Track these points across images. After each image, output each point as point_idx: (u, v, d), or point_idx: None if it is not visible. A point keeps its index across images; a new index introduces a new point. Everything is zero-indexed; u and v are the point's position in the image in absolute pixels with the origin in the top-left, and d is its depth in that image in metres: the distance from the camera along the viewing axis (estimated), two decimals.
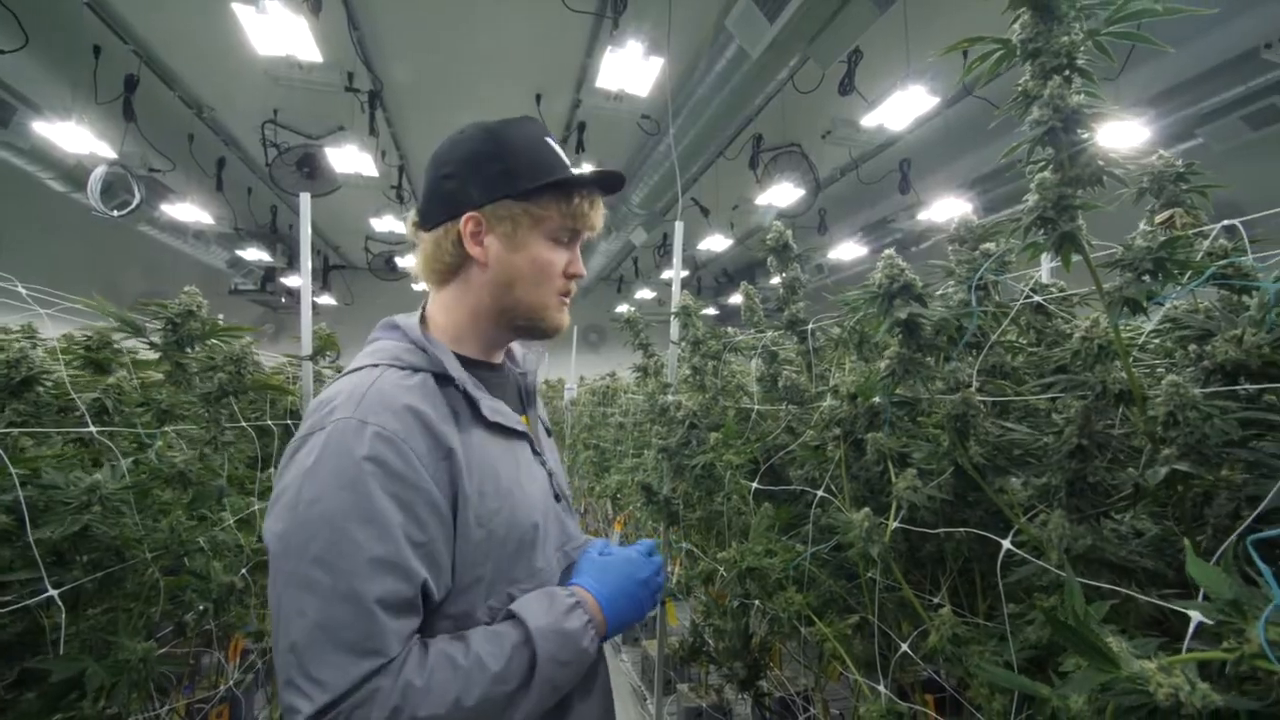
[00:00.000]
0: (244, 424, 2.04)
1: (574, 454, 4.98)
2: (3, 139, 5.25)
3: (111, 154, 5.65)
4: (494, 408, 0.87)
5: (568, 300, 0.95)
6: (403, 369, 0.82)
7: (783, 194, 6.58)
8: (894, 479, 1.08)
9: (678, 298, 2.25)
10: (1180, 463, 0.75)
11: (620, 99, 5.11)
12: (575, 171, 0.91)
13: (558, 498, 0.96)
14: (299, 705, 0.66)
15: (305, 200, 2.47)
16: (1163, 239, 0.79)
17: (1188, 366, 0.89)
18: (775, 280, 1.72)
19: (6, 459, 1.19)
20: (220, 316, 1.77)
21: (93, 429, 1.44)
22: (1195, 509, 0.85)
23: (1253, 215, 0.86)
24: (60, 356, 1.75)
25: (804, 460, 1.52)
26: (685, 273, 2.41)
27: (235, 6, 3.81)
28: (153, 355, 1.75)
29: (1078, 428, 0.87)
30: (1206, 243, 0.94)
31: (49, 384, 1.57)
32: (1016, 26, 0.83)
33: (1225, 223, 0.85)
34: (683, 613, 3.31)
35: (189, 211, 7.25)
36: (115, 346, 1.93)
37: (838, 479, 1.33)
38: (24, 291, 1.52)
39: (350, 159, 6.03)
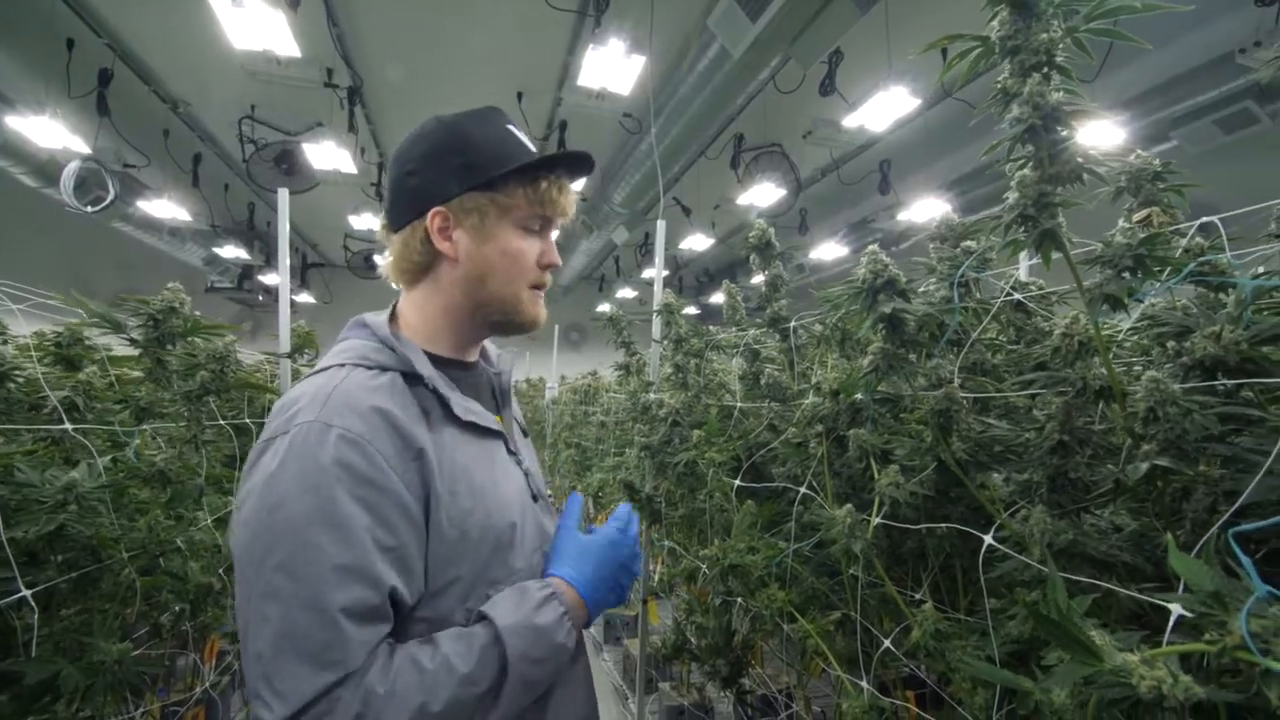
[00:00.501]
0: (222, 422, 2.01)
1: (555, 453, 4.96)
2: None
3: (85, 149, 5.53)
4: (467, 407, 0.85)
5: (542, 293, 0.93)
6: (370, 368, 0.81)
7: (764, 194, 6.60)
8: (876, 475, 1.08)
9: (660, 296, 2.24)
10: (1160, 458, 0.76)
11: (602, 97, 5.10)
12: (541, 155, 0.88)
13: (535, 498, 0.93)
14: (263, 715, 0.65)
15: (284, 197, 2.44)
16: (1142, 236, 0.79)
17: (1165, 363, 0.90)
18: (757, 279, 1.72)
19: None
20: (197, 314, 1.74)
21: (68, 426, 1.41)
22: (1174, 504, 0.86)
23: (1230, 213, 0.87)
24: (32, 354, 1.71)
25: (786, 458, 1.52)
26: (666, 272, 2.41)
27: (212, 0, 3.74)
28: (126, 352, 1.71)
29: (1059, 424, 0.87)
30: (1184, 241, 0.95)
31: (20, 380, 1.53)
32: (995, 24, 0.83)
33: (1203, 220, 0.86)
34: (664, 611, 3.31)
35: (164, 208, 7.12)
36: (87, 343, 1.89)
37: (820, 476, 1.33)
38: None
39: (329, 156, 5.95)
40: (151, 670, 1.55)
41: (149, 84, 5.68)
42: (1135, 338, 1.21)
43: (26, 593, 1.19)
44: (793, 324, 1.62)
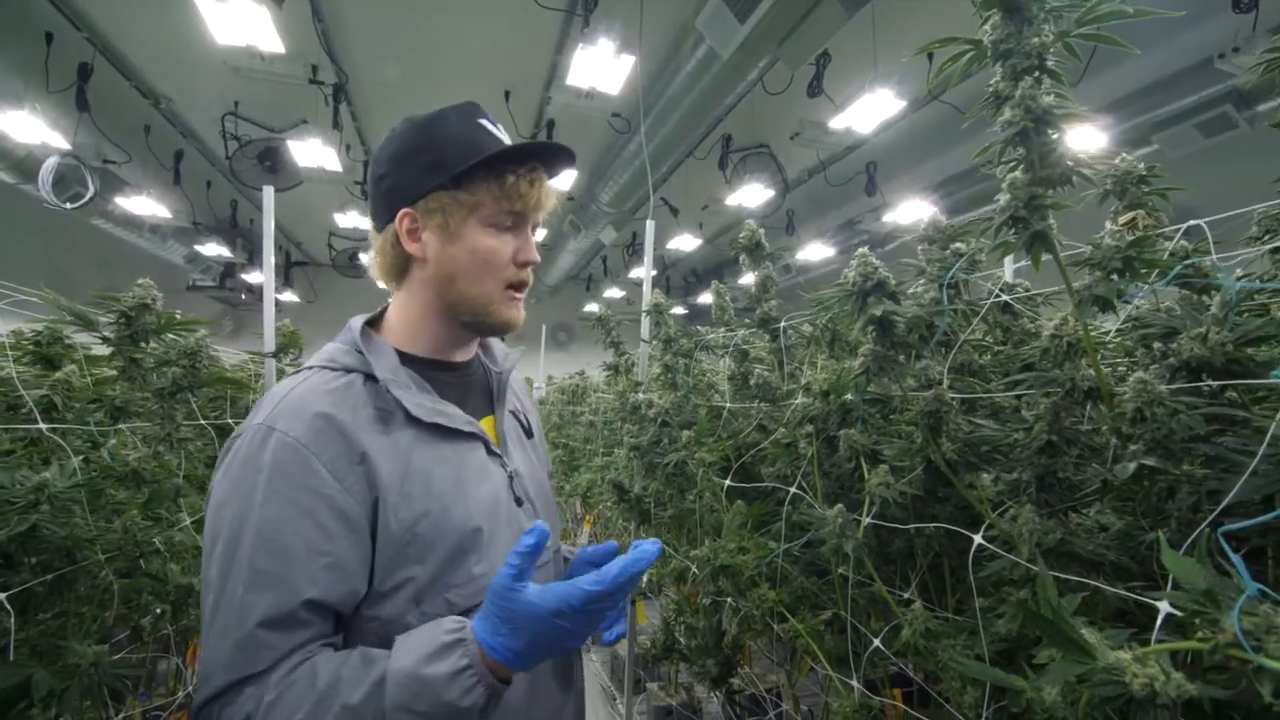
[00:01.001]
0: (202, 422, 1.98)
1: None
2: None
3: (64, 144, 5.43)
4: (433, 408, 0.83)
5: (519, 293, 0.90)
6: (334, 370, 0.82)
7: (752, 194, 6.62)
8: (866, 475, 1.08)
9: (648, 296, 2.24)
10: (1147, 457, 0.77)
11: (591, 97, 5.09)
12: (512, 144, 0.85)
13: (520, 501, 0.89)
14: (196, 694, 0.70)
15: (269, 194, 2.41)
16: (1130, 238, 0.80)
17: (1150, 364, 0.91)
18: (746, 279, 1.72)
19: None
20: (178, 313, 1.71)
21: (42, 425, 1.38)
22: (1159, 503, 0.87)
23: (1215, 216, 0.88)
24: (9, 352, 1.67)
25: (775, 458, 1.53)
26: (654, 272, 2.42)
27: None
28: (105, 351, 1.68)
29: (1047, 424, 0.88)
30: (1170, 244, 0.96)
31: None
32: (987, 28, 0.84)
33: (1190, 223, 0.87)
34: (652, 611, 3.31)
35: (145, 205, 7.01)
36: (66, 342, 1.86)
37: (809, 476, 1.33)
38: None
39: (313, 153, 5.90)
40: (131, 674, 1.52)
41: (130, 79, 5.59)
42: (1119, 340, 1.22)
43: (0, 595, 1.16)
44: (782, 324, 1.62)
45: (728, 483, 1.60)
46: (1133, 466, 0.77)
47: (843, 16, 3.58)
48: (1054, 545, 0.82)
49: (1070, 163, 0.81)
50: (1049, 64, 0.80)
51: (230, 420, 2.31)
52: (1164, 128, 4.85)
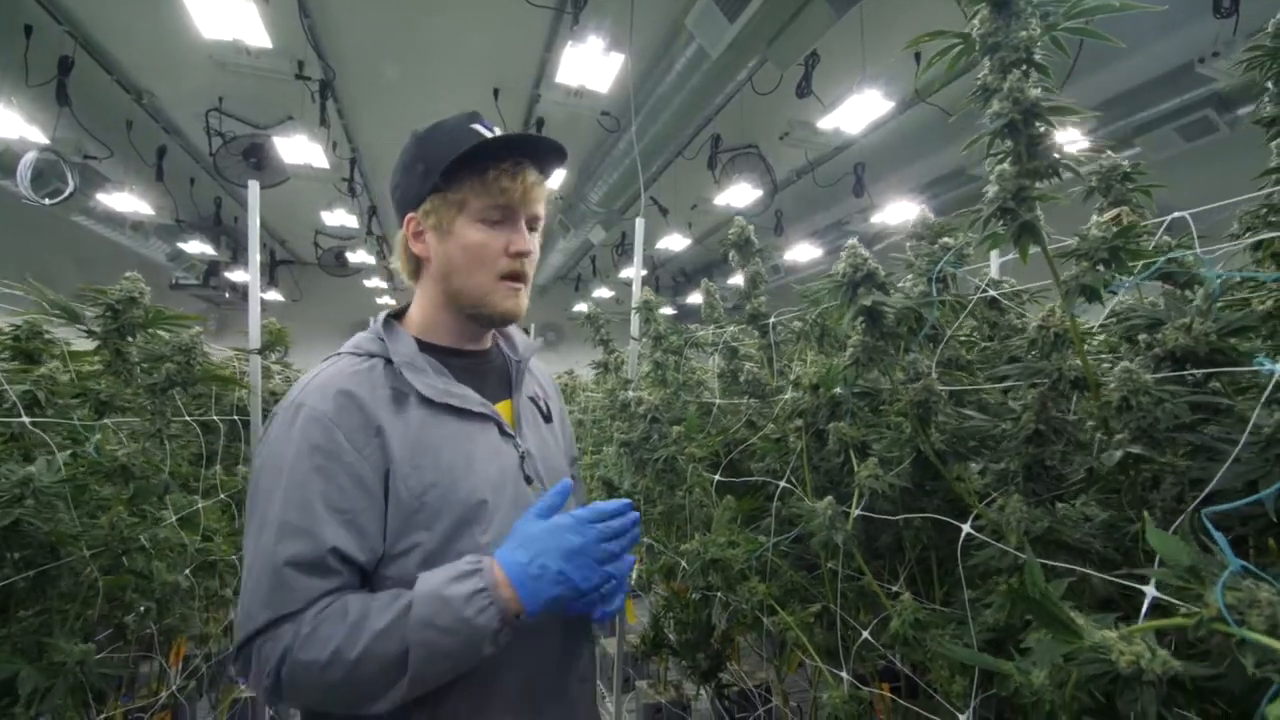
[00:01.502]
0: (188, 418, 1.96)
1: None
2: None
3: (44, 139, 5.34)
4: (444, 390, 0.91)
5: (518, 283, 0.96)
6: (359, 356, 0.92)
7: (741, 194, 6.64)
8: (856, 468, 1.09)
9: (638, 293, 2.24)
10: (1133, 446, 0.78)
11: (581, 95, 5.08)
12: (493, 137, 0.91)
13: (529, 480, 0.96)
14: (236, 635, 0.80)
15: (254, 190, 2.38)
16: (1116, 229, 0.81)
17: (1135, 357, 0.93)
18: (733, 279, 1.73)
19: None
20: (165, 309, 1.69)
21: (25, 419, 1.36)
22: (1143, 493, 0.88)
23: (1199, 208, 0.90)
24: None
25: (765, 453, 1.53)
26: (644, 271, 2.42)
27: None
28: (85, 346, 1.66)
29: (1034, 413, 0.89)
30: (1153, 240, 0.98)
31: None
32: (976, 22, 0.85)
33: (1175, 214, 0.89)
34: (641, 609, 3.31)
35: (127, 201, 6.91)
36: (47, 336, 1.83)
37: (798, 471, 1.34)
38: None
39: (300, 150, 5.83)
40: (115, 673, 1.50)
41: (112, 73, 5.51)
42: (1103, 336, 1.24)
43: None
44: (772, 320, 1.63)
45: (717, 478, 1.61)
46: (1119, 455, 0.78)
47: (831, 17, 3.60)
48: (1042, 533, 0.83)
49: (1057, 155, 0.82)
50: (1036, 58, 0.81)
51: (215, 417, 2.29)
52: (1145, 131, 4.92)
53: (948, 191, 6.67)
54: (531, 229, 0.97)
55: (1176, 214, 0.89)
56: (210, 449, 2.21)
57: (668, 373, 2.08)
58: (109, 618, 1.70)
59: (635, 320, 2.21)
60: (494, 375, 1.03)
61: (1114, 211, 1.13)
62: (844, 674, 1.14)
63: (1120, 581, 0.75)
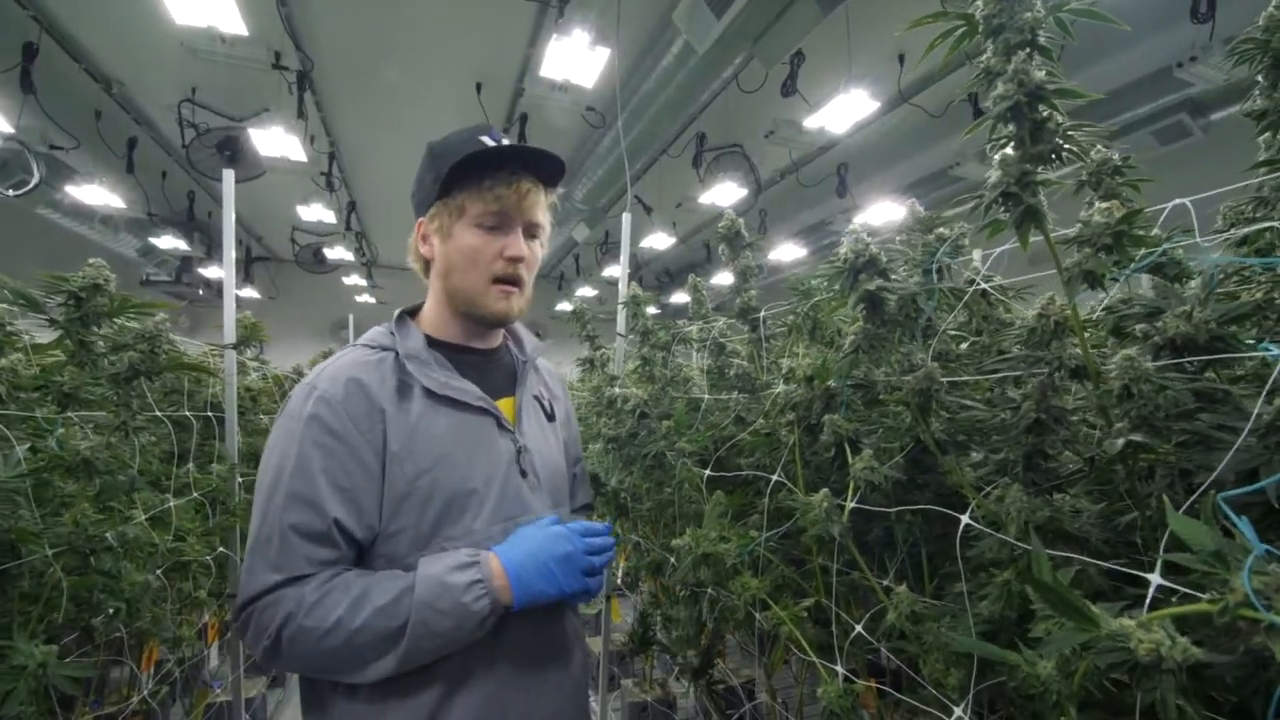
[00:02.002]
0: (158, 413, 1.89)
1: None
2: None
3: (7, 129, 5.19)
4: (445, 382, 0.97)
5: (512, 287, 1.02)
6: (371, 348, 0.99)
7: (725, 193, 6.65)
8: (850, 461, 1.07)
9: (625, 289, 2.22)
10: (1135, 433, 0.77)
11: (565, 89, 5.04)
12: (490, 146, 0.97)
13: (524, 473, 1.01)
14: (238, 596, 0.86)
15: (229, 180, 2.32)
16: (1120, 215, 0.81)
17: (1133, 346, 0.92)
18: (717, 279, 1.72)
19: None
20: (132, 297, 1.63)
21: None
22: (1141, 482, 0.88)
23: (1197, 195, 0.90)
24: None
25: (754, 448, 1.52)
26: (628, 270, 2.40)
27: None
28: (47, 338, 1.59)
29: (1034, 402, 0.88)
30: (1153, 230, 0.97)
31: None
32: (979, 3, 0.84)
33: (1176, 201, 0.88)
34: (626, 608, 3.28)
35: (96, 194, 6.73)
36: (8, 329, 1.76)
37: (790, 465, 1.32)
38: None
39: (276, 142, 5.69)
40: (81, 675, 1.44)
41: (79, 61, 5.35)
42: (1095, 330, 1.24)
43: None
44: (763, 313, 1.62)
45: (708, 472, 1.59)
46: (1120, 442, 0.77)
47: (818, 15, 3.61)
48: (1043, 523, 0.82)
49: (1059, 140, 0.81)
50: (1040, 40, 0.80)
51: (188, 413, 2.22)
52: (1122, 135, 4.99)
53: (930, 192, 6.73)
54: (531, 236, 1.03)
55: (1177, 200, 0.88)
56: (183, 447, 2.14)
57: (655, 368, 2.05)
58: (76, 620, 1.63)
59: (622, 315, 2.18)
60: (500, 372, 1.09)
61: (1106, 205, 1.13)
62: (839, 668, 1.12)
63: (1123, 570, 0.74)
